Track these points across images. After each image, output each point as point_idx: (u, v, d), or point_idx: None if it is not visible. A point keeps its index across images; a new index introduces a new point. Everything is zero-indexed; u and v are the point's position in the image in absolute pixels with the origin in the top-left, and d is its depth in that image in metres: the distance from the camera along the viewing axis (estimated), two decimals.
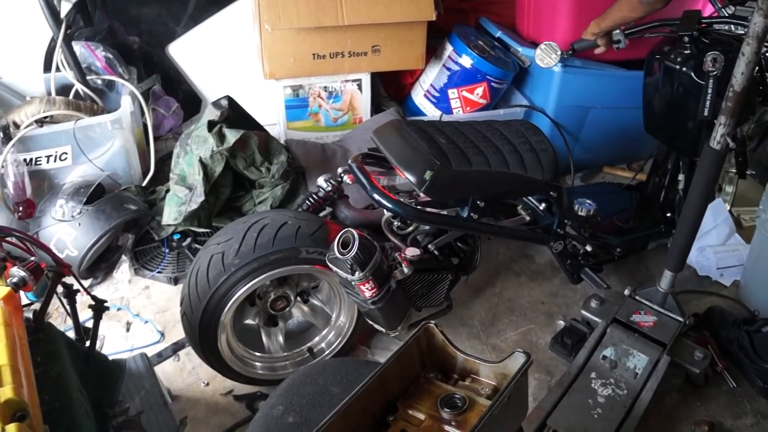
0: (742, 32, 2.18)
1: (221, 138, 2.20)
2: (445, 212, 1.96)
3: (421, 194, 1.86)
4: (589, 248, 2.30)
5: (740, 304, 2.45)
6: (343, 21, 2.45)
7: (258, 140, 2.26)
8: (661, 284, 2.16)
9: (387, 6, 2.48)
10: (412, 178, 1.80)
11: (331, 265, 1.73)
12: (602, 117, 2.88)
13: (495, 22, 3.05)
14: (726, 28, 2.25)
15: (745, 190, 2.87)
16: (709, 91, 2.04)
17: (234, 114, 2.32)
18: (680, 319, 2.13)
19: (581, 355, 2.05)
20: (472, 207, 1.90)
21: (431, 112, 2.90)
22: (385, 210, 1.96)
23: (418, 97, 2.96)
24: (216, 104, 2.32)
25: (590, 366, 2.02)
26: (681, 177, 2.48)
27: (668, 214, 2.53)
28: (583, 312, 2.24)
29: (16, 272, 1.38)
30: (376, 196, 1.85)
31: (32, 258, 1.48)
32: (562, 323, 2.36)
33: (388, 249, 1.95)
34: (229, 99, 2.36)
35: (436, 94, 2.88)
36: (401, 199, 1.90)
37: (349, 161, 1.97)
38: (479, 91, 2.80)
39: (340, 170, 2.05)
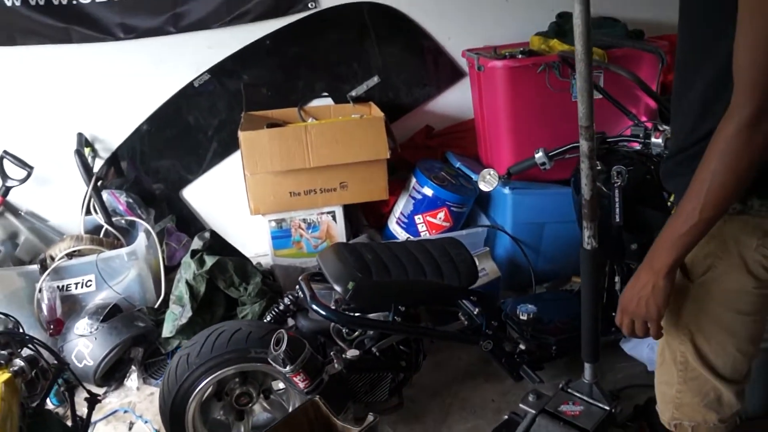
0: (638, 148, 2.56)
1: (201, 263, 2.70)
2: (377, 317, 2.34)
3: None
4: (523, 347, 2.60)
5: None
6: (310, 164, 2.98)
7: (233, 264, 2.74)
8: (585, 376, 2.41)
9: (346, 149, 3.01)
10: (338, 288, 2.19)
11: (271, 361, 2.12)
12: (558, 231, 3.21)
13: (459, 154, 3.53)
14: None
15: None
16: (616, 200, 2.40)
17: (216, 244, 2.82)
18: (606, 407, 2.35)
19: None
20: (394, 312, 2.27)
21: (403, 236, 3.33)
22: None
23: (392, 224, 3.42)
24: (200, 236, 2.83)
25: None
26: (617, 279, 2.78)
27: (613, 314, 2.78)
28: (521, 405, 2.48)
29: (17, 363, 1.80)
30: (314, 306, 2.23)
31: (32, 353, 1.94)
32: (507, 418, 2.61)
33: (335, 350, 2.33)
34: (212, 232, 2.87)
35: (406, 221, 3.32)
36: (338, 309, 2.29)
37: (299, 279, 2.39)
38: (441, 215, 3.23)
39: (297, 287, 2.47)
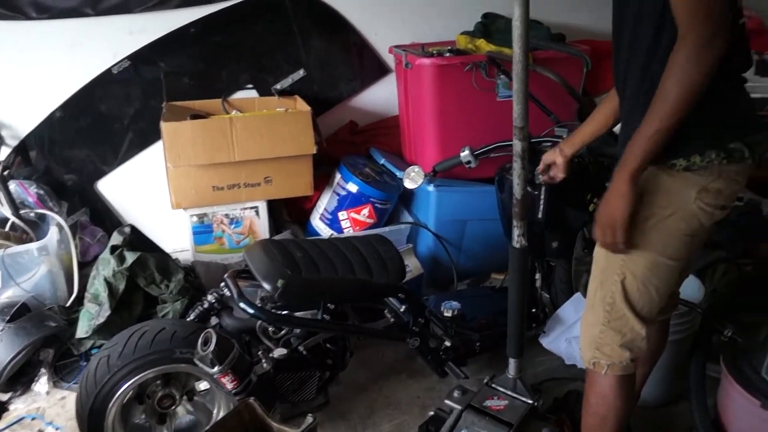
0: None
1: (121, 259, 2.59)
2: (304, 315, 2.31)
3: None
4: (448, 343, 2.63)
5: None
6: (234, 158, 2.92)
7: (155, 261, 2.64)
8: (509, 371, 2.46)
9: (272, 144, 2.96)
10: (267, 286, 2.15)
11: (197, 362, 2.05)
12: (479, 228, 3.27)
13: (384, 150, 3.53)
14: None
15: None
16: (542, 199, 2.46)
17: (136, 239, 2.72)
18: (530, 401, 2.42)
19: None
20: (323, 309, 2.25)
21: (326, 233, 3.31)
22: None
23: (315, 220, 3.39)
24: (120, 231, 2.72)
25: None
26: (537, 276, 2.86)
27: (533, 310, 2.86)
28: (446, 401, 2.51)
29: None
30: (242, 304, 2.19)
31: None
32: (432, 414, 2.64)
33: (261, 350, 2.29)
34: (132, 227, 2.76)
35: (329, 217, 3.30)
36: (265, 306, 2.25)
37: (225, 276, 2.33)
38: (365, 211, 3.23)
39: (222, 284, 2.41)
